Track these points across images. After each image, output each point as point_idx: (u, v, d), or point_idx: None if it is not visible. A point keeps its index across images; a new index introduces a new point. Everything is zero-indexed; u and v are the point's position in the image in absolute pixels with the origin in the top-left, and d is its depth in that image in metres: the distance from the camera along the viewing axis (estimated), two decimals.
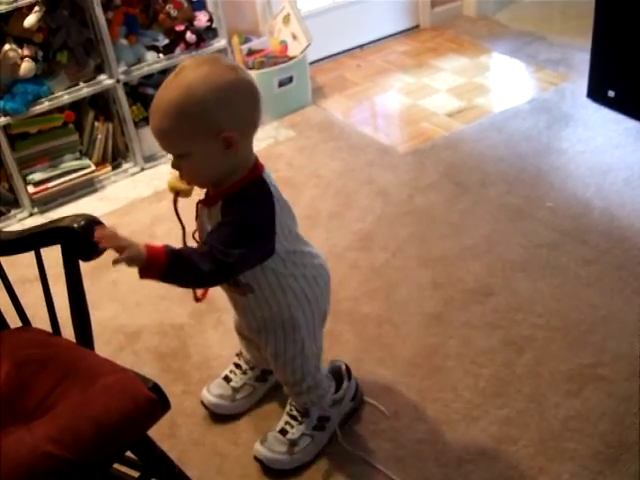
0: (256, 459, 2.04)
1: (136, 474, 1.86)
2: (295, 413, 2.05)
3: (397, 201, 3.10)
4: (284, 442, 2.03)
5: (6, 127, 3.30)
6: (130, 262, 1.48)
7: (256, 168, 1.68)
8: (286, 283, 1.79)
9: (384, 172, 3.32)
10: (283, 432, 2.04)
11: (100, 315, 2.41)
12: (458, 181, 3.16)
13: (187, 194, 1.70)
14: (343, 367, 2.14)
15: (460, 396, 2.15)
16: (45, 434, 1.41)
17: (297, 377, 1.96)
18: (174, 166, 1.64)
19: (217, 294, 1.93)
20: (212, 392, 2.19)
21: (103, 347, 2.37)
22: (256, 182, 1.67)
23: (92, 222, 1.53)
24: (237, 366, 2.24)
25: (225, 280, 1.72)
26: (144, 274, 1.52)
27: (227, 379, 2.20)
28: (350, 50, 4.66)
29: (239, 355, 2.24)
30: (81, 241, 1.54)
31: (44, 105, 3.33)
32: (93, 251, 1.56)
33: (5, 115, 3.26)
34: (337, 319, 2.49)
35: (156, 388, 1.56)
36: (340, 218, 3.06)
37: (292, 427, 2.04)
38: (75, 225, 1.52)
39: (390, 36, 4.78)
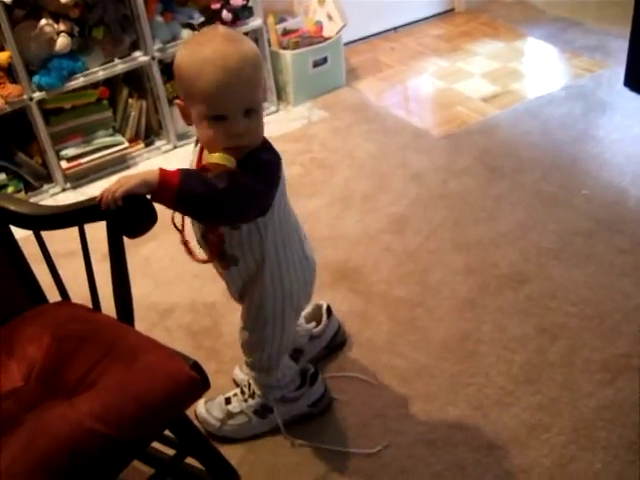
0: (195, 413, 2.10)
1: (169, 451, 1.91)
2: (245, 389, 2.10)
3: (431, 185, 3.09)
4: (223, 410, 2.10)
5: (41, 102, 3.32)
6: (141, 185, 1.49)
7: None
8: (269, 263, 1.78)
9: (418, 156, 3.31)
10: (227, 401, 2.12)
11: (133, 292, 2.41)
12: (493, 166, 3.14)
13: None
14: (311, 371, 2.13)
15: (492, 382, 2.15)
16: (89, 410, 1.43)
17: (250, 349, 1.97)
18: (237, 128, 1.55)
19: None
20: (244, 370, 2.20)
21: (136, 324, 2.38)
22: (265, 141, 1.69)
23: (139, 200, 1.51)
24: None
25: (237, 210, 1.61)
26: (158, 195, 1.50)
27: (227, 400, 2.18)
28: (384, 32, 4.66)
29: None
30: (127, 218, 1.54)
31: (79, 81, 3.35)
32: (139, 228, 1.56)
33: (40, 90, 3.28)
34: (370, 301, 2.50)
35: (197, 367, 1.57)
36: (374, 200, 3.05)
37: (236, 401, 2.10)
38: (120, 204, 1.51)
39: (424, 19, 4.77)
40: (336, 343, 2.30)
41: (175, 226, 1.69)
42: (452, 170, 3.16)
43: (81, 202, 1.68)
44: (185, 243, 1.73)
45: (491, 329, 2.32)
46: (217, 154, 1.55)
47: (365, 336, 2.36)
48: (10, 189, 3.37)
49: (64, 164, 3.45)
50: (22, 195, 3.39)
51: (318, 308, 2.29)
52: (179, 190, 1.49)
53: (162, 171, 1.50)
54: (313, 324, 2.26)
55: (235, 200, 1.57)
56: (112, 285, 1.72)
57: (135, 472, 1.93)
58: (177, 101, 1.63)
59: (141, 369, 1.53)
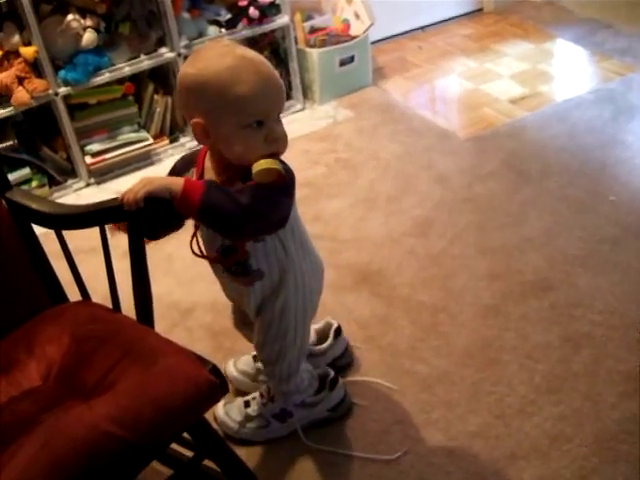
0: (213, 415, 2.10)
1: (188, 453, 1.89)
2: (264, 392, 2.08)
3: (456, 188, 3.06)
4: (242, 413, 2.09)
5: (66, 97, 3.33)
6: (164, 189, 1.48)
7: None
8: (292, 269, 1.77)
9: (444, 158, 3.28)
10: (247, 404, 2.10)
11: (154, 290, 2.39)
12: (519, 170, 3.11)
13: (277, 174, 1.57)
14: (331, 375, 2.10)
15: (514, 390, 2.12)
16: (106, 413, 1.42)
17: (271, 359, 1.93)
18: (276, 132, 1.55)
19: None
20: (237, 367, 2.21)
21: (157, 322, 2.36)
22: None
23: (161, 203, 1.50)
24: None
25: (259, 224, 1.59)
26: (180, 204, 1.49)
27: (255, 358, 2.19)
28: (412, 31, 4.63)
29: None
30: (148, 220, 1.53)
31: (104, 76, 3.35)
32: (159, 231, 1.55)
33: (66, 85, 3.29)
34: (392, 305, 2.48)
35: (215, 370, 1.55)
36: (398, 202, 3.03)
37: (256, 404, 2.08)
38: (142, 205, 1.50)
39: (453, 18, 4.73)
40: (339, 365, 2.22)
41: (194, 252, 1.72)
42: (478, 173, 3.13)
43: (102, 202, 1.68)
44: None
45: (514, 337, 2.29)
46: (264, 160, 1.51)
47: (387, 340, 2.34)
48: (34, 183, 3.38)
49: (88, 159, 3.46)
50: (46, 190, 3.40)
51: (328, 326, 2.24)
52: (202, 202, 1.48)
53: (187, 181, 1.50)
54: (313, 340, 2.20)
55: (258, 214, 1.56)
56: (132, 286, 1.71)
57: (154, 473, 1.93)
58: (194, 120, 1.56)
59: (160, 372, 1.52)
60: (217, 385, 1.53)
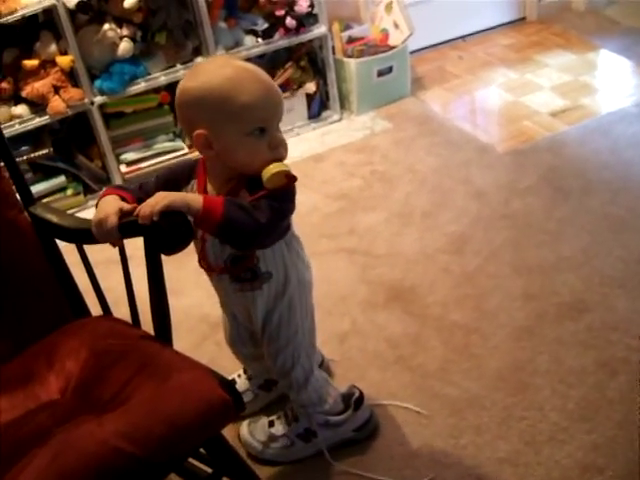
0: (238, 434, 2.10)
1: (209, 470, 1.86)
2: (288, 413, 2.06)
3: (493, 204, 3.00)
4: (266, 433, 2.07)
5: (102, 106, 3.33)
6: (183, 206, 1.47)
7: None
8: (293, 264, 1.78)
9: (481, 172, 3.22)
10: (271, 423, 2.09)
11: (184, 302, 2.40)
12: (558, 186, 3.04)
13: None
14: (355, 395, 2.07)
15: (546, 417, 2.06)
16: (116, 429, 1.40)
17: (287, 366, 1.90)
18: (279, 137, 1.60)
19: None
20: (252, 433, 2.12)
21: (186, 335, 2.36)
22: None
23: (176, 216, 1.48)
24: (245, 371, 2.25)
25: (276, 236, 1.66)
26: (200, 221, 1.50)
27: (271, 424, 2.11)
28: (452, 41, 4.57)
29: None
30: (165, 237, 1.50)
31: (140, 85, 3.36)
32: (174, 245, 1.52)
33: (102, 94, 3.29)
34: (424, 324, 2.43)
35: (231, 388, 1.53)
36: (434, 218, 2.98)
37: (280, 424, 2.07)
38: (156, 219, 1.47)
39: (494, 28, 4.66)
40: (359, 437, 2.09)
41: (203, 266, 1.76)
42: (516, 189, 3.07)
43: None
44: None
45: (548, 360, 2.22)
46: (272, 165, 1.56)
47: (417, 361, 2.30)
48: (69, 191, 3.39)
49: (123, 168, 3.46)
50: (81, 198, 3.41)
51: (349, 395, 2.09)
52: (223, 220, 1.49)
53: (206, 198, 1.50)
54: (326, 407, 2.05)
55: (275, 228, 1.60)
56: (149, 301, 1.68)
57: None
58: (197, 132, 1.57)
59: (173, 388, 1.50)
60: (231, 404, 1.49)
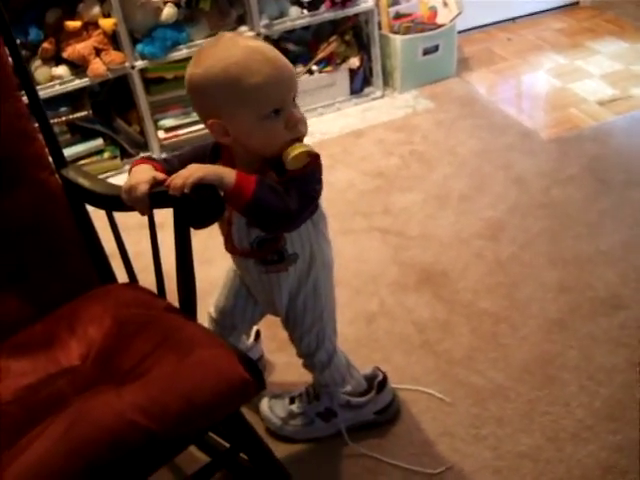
0: (258, 409, 2.10)
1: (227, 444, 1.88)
2: (310, 391, 2.04)
3: (533, 191, 2.93)
4: (286, 409, 2.06)
5: (143, 71, 3.32)
6: (216, 179, 1.43)
7: None
8: (319, 244, 1.74)
9: (523, 158, 3.16)
10: (292, 400, 2.07)
11: (214, 272, 2.35)
12: (601, 178, 2.96)
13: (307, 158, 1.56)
14: (379, 378, 2.04)
15: (571, 413, 2.01)
16: (133, 402, 1.38)
17: (312, 348, 1.89)
18: (296, 115, 1.51)
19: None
20: (272, 408, 2.10)
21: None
22: None
23: (208, 189, 1.44)
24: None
25: (304, 219, 1.60)
26: (230, 197, 1.45)
27: (292, 400, 2.10)
28: (502, 22, 4.49)
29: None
30: (194, 210, 1.47)
31: (182, 52, 3.33)
32: (205, 218, 1.49)
33: (143, 59, 3.28)
34: (453, 310, 2.39)
35: (252, 366, 1.51)
36: (471, 202, 2.93)
37: (300, 402, 2.05)
38: (187, 190, 1.43)
39: (546, 11, 4.57)
40: (380, 420, 2.06)
41: (228, 249, 1.75)
42: (557, 177, 3.00)
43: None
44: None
45: (577, 356, 2.17)
46: (292, 147, 1.50)
47: (444, 347, 2.26)
48: (106, 154, 3.39)
49: (161, 134, 3.45)
50: (117, 162, 3.41)
51: (372, 377, 2.06)
52: (253, 199, 1.45)
53: (239, 175, 1.45)
54: (348, 388, 2.03)
55: (303, 214, 1.56)
56: (176, 275, 1.66)
57: (192, 458, 1.92)
58: (210, 121, 1.51)
59: (193, 364, 1.47)
60: (251, 382, 1.47)
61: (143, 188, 1.48)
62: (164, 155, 3.44)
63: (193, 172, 1.44)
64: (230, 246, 1.72)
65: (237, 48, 1.47)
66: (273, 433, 2.05)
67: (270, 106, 1.47)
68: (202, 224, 1.52)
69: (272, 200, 1.47)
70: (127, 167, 3.35)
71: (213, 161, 1.62)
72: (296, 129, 1.52)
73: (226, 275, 1.98)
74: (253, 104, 1.47)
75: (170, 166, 1.61)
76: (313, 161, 1.53)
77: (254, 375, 1.48)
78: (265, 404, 2.08)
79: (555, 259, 2.56)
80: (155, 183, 1.50)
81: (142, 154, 3.45)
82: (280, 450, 1.90)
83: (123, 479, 1.37)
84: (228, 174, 1.45)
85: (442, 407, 2.08)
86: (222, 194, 1.46)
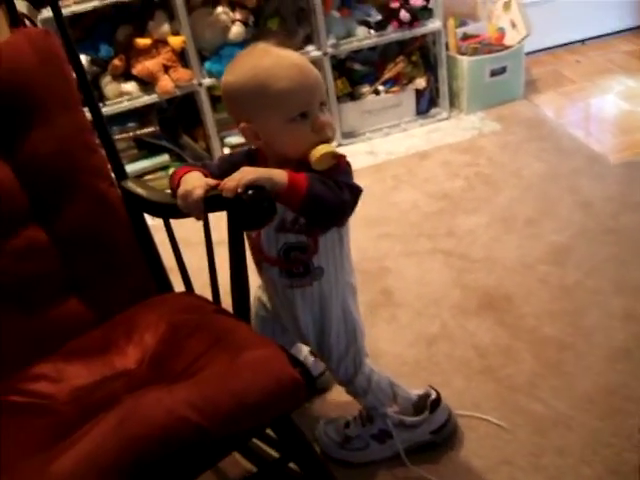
0: (314, 434, 2.07)
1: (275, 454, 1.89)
2: (363, 414, 2.02)
3: (600, 216, 2.88)
4: (341, 434, 2.04)
5: (210, 88, 3.35)
6: (268, 180, 1.45)
7: None
8: (344, 259, 1.75)
9: (591, 182, 3.10)
10: (347, 425, 2.05)
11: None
12: None
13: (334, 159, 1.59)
14: (432, 396, 2.01)
15: (635, 446, 1.94)
16: (184, 398, 1.39)
17: (350, 374, 1.88)
18: (322, 118, 1.56)
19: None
20: (327, 432, 2.09)
21: None
22: None
23: (262, 193, 1.45)
24: None
25: (350, 213, 1.61)
26: (284, 197, 1.47)
27: (347, 425, 2.07)
28: (570, 44, 4.45)
29: None
30: (247, 212, 1.48)
31: None
32: (257, 220, 1.50)
33: (210, 76, 3.32)
34: (516, 336, 2.35)
35: (304, 370, 1.51)
36: (536, 226, 2.88)
37: (355, 425, 2.03)
38: (240, 191, 1.45)
39: (615, 33, 4.51)
40: (437, 440, 2.03)
41: (256, 256, 1.76)
42: (626, 202, 2.94)
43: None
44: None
45: None
46: (317, 148, 1.54)
47: (505, 372, 2.22)
48: (171, 170, 3.41)
49: (227, 151, 3.48)
50: None
51: (425, 396, 2.03)
52: (308, 193, 1.47)
53: (290, 173, 1.48)
54: (396, 408, 2.00)
55: (354, 205, 1.57)
56: (230, 278, 1.68)
57: (235, 465, 1.93)
58: (241, 125, 1.59)
59: (244, 363, 1.48)
60: (301, 384, 1.47)
61: (198, 192, 1.52)
62: None
63: (245, 174, 1.46)
64: (258, 254, 1.75)
65: (267, 56, 1.56)
66: (329, 458, 2.03)
67: (296, 109, 1.54)
68: (255, 226, 1.56)
69: (326, 193, 1.49)
70: None
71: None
72: (323, 132, 1.57)
73: (252, 304, 1.99)
74: (280, 108, 1.54)
75: (210, 170, 1.66)
76: (341, 163, 1.57)
77: (304, 378, 1.48)
78: (320, 429, 2.08)
79: (622, 287, 2.50)
80: (209, 188, 1.53)
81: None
82: (338, 475, 1.88)
83: (173, 475, 1.38)
84: (279, 174, 1.47)
85: (501, 434, 2.04)
86: (274, 195, 1.47)
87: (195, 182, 1.55)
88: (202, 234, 1.71)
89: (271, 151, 1.62)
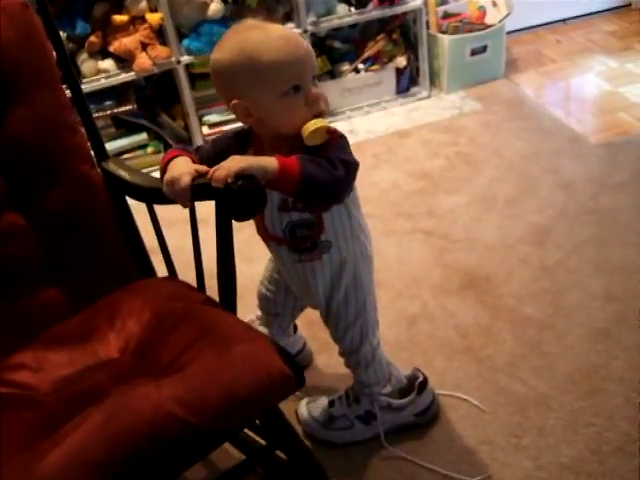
0: (296, 412, 2.07)
1: (263, 442, 1.86)
2: (350, 394, 2.01)
3: (581, 197, 2.88)
4: (325, 413, 2.03)
5: (188, 66, 3.33)
6: (258, 169, 1.41)
7: None
8: (355, 230, 1.73)
9: (571, 163, 3.10)
10: (331, 404, 2.04)
11: (254, 269, 2.35)
12: None
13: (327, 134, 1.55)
14: (419, 379, 2.00)
15: (616, 425, 1.96)
16: (172, 394, 1.38)
17: (356, 343, 1.87)
18: (315, 92, 1.52)
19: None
20: (310, 412, 2.07)
21: (252, 302, 2.29)
22: None
23: (252, 182, 1.41)
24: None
25: (349, 190, 1.59)
26: (280, 177, 1.43)
27: (332, 403, 2.07)
28: (551, 23, 4.44)
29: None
30: (237, 202, 1.45)
31: None
32: (247, 210, 1.47)
33: (189, 54, 3.29)
34: (497, 315, 2.35)
35: (293, 361, 1.49)
36: (517, 206, 2.88)
37: (340, 405, 2.02)
38: (230, 181, 1.41)
39: (597, 13, 4.51)
40: (420, 422, 2.03)
41: (262, 234, 1.75)
42: (606, 183, 2.94)
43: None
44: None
45: (623, 367, 2.12)
46: (309, 123, 1.50)
47: (486, 353, 2.22)
48: (150, 149, 3.39)
49: (205, 129, 3.46)
50: (160, 156, 3.38)
51: (413, 379, 2.03)
52: (302, 177, 1.43)
53: (280, 158, 1.44)
54: (388, 388, 2.00)
55: (352, 181, 1.55)
56: (217, 268, 1.65)
57: (225, 454, 1.91)
58: (233, 102, 1.54)
59: (233, 358, 1.46)
60: (291, 378, 1.46)
61: (185, 180, 1.48)
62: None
63: (235, 163, 1.42)
64: (263, 232, 1.73)
65: (255, 30, 1.51)
66: (311, 437, 2.02)
67: (288, 82, 1.50)
68: (245, 216, 1.52)
69: (319, 173, 1.46)
70: None
71: (244, 148, 1.64)
72: (316, 105, 1.53)
73: (267, 263, 1.99)
74: (272, 81, 1.49)
75: (202, 154, 1.63)
76: (335, 137, 1.54)
77: (294, 371, 1.47)
78: (304, 408, 2.06)
79: (602, 267, 2.50)
80: (197, 175, 1.50)
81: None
82: (315, 454, 1.87)
83: (160, 472, 1.37)
84: (270, 161, 1.44)
85: (482, 414, 2.04)
86: (265, 183, 1.43)
87: (183, 168, 1.51)
88: (182, 213, 1.68)
89: (264, 128, 1.58)
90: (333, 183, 1.48)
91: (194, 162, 1.56)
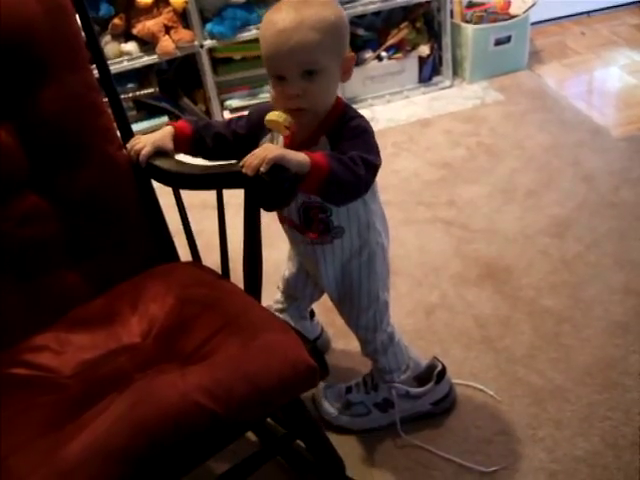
0: (313, 398, 2.07)
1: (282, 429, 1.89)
2: (368, 380, 2.02)
3: (602, 190, 2.87)
4: (342, 399, 2.03)
5: (211, 50, 3.32)
6: (293, 161, 1.41)
7: (339, 99, 1.63)
8: (371, 219, 1.73)
9: (593, 155, 3.09)
10: (349, 390, 2.05)
11: (275, 256, 2.37)
12: None
13: (286, 129, 1.55)
14: (438, 368, 2.01)
15: (632, 420, 1.96)
16: (199, 383, 1.37)
17: (370, 328, 1.87)
18: (292, 89, 1.51)
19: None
20: (327, 398, 2.09)
21: (271, 291, 2.31)
22: (348, 106, 1.65)
23: (285, 173, 1.40)
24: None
25: (367, 189, 1.59)
26: (309, 174, 1.43)
27: (349, 389, 2.08)
28: (576, 15, 4.40)
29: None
30: (267, 191, 1.45)
31: (252, 32, 3.32)
32: (278, 200, 1.47)
33: (212, 38, 3.28)
34: (515, 307, 2.35)
35: (317, 352, 1.49)
36: (537, 198, 2.87)
37: (358, 391, 2.03)
38: (263, 170, 1.41)
39: (622, 5, 4.47)
40: (436, 411, 2.04)
41: (282, 219, 1.77)
42: (628, 177, 2.92)
43: (222, 165, 1.61)
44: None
45: None
46: (273, 112, 1.53)
47: (504, 344, 2.22)
48: None
49: (227, 114, 3.45)
50: None
51: (431, 368, 2.03)
52: (328, 175, 1.44)
53: (308, 154, 1.44)
54: (408, 373, 2.01)
55: (371, 181, 1.57)
56: (243, 255, 1.65)
57: (245, 441, 1.92)
58: None
59: (258, 348, 1.45)
60: (315, 369, 1.45)
61: (147, 151, 1.66)
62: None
63: (269, 152, 1.42)
64: (279, 215, 1.76)
65: (276, 14, 1.52)
66: (327, 422, 2.03)
67: (271, 71, 1.55)
68: (276, 206, 1.52)
69: (343, 172, 1.46)
70: None
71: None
72: (290, 101, 1.53)
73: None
74: (265, 65, 1.56)
75: (231, 130, 1.72)
76: (361, 129, 1.57)
77: (318, 362, 1.46)
78: (321, 392, 2.06)
79: (622, 260, 2.49)
80: (158, 150, 1.66)
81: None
82: (333, 439, 1.88)
83: (183, 461, 1.36)
84: (302, 156, 1.43)
85: (499, 405, 2.04)
86: (299, 177, 1.43)
87: (149, 139, 1.68)
88: (200, 196, 1.68)
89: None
90: (354, 184, 1.50)
91: (185, 132, 1.68)
